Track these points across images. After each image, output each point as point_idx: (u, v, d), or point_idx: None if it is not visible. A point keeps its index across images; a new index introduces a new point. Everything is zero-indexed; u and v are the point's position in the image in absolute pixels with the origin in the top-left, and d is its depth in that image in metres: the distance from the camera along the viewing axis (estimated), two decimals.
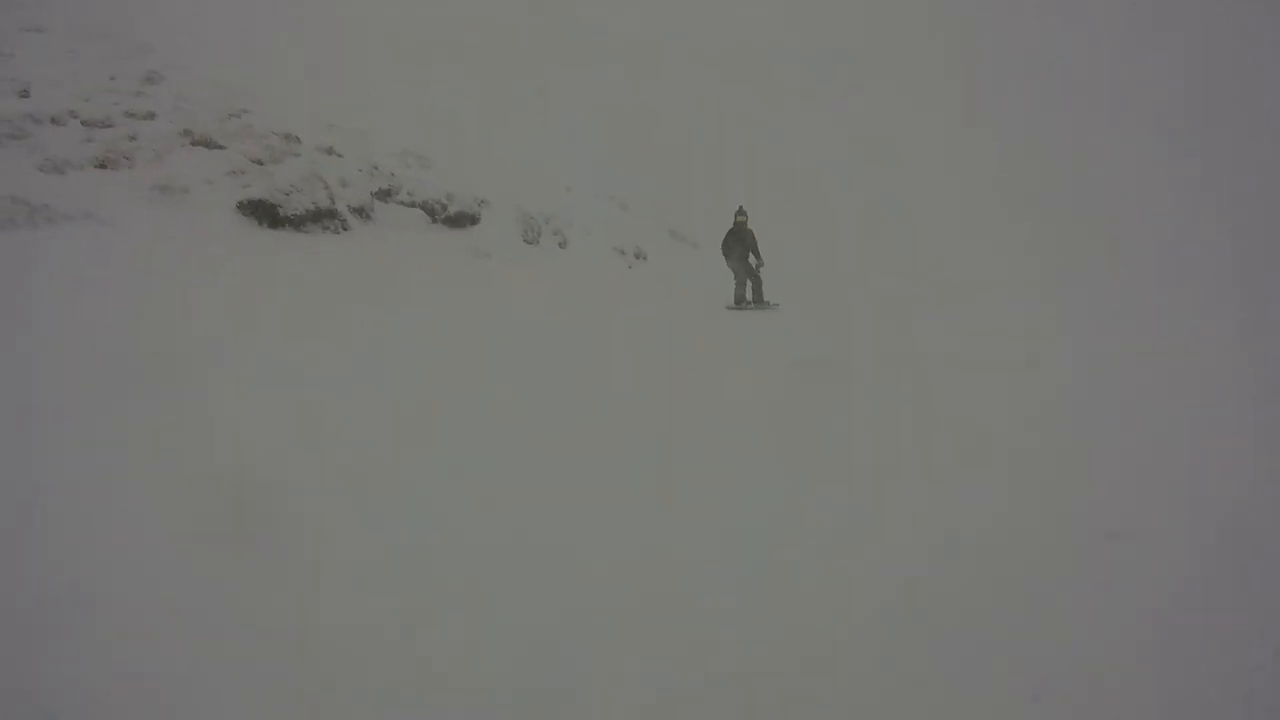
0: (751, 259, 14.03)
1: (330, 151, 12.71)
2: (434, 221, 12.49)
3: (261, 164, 11.31)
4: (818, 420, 7.77)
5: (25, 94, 12.65)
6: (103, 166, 10.37)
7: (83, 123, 11.20)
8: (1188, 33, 34.72)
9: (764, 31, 34.93)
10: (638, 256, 15.82)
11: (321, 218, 10.87)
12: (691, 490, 5.59)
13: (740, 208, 14.07)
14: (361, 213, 11.53)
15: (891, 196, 26.90)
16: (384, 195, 12.19)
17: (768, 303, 14.04)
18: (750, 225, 14.15)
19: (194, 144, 11.32)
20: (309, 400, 5.90)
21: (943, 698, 4.06)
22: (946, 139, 29.78)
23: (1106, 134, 31.11)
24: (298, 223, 10.63)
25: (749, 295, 14.01)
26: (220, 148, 11.41)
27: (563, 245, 13.90)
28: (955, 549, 5.66)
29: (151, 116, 11.73)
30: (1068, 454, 9.43)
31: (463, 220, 12.72)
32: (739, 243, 13.84)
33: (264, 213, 10.50)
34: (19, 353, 5.81)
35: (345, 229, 11.10)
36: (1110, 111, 32.22)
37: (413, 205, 12.42)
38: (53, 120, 11.11)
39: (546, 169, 19.13)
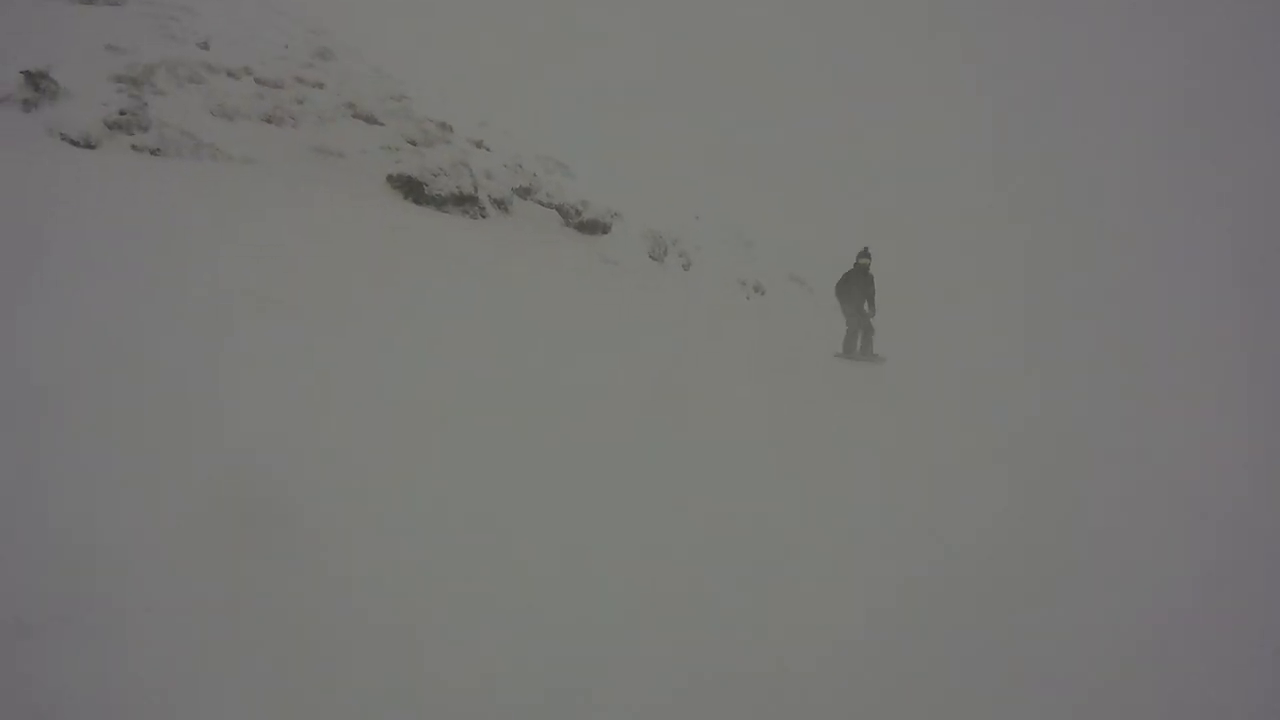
0: (866, 306, 12.73)
1: (480, 144, 13.02)
2: (566, 224, 12.64)
3: (415, 144, 11.63)
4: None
5: (205, 46, 13.28)
6: (269, 121, 10.79)
7: (256, 80, 11.68)
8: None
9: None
10: (756, 290, 15.75)
11: (464, 202, 11.10)
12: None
13: (865, 249, 12.73)
14: (501, 204, 11.74)
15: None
16: (524, 192, 12.40)
17: (877, 355, 12.90)
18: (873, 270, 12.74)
19: (355, 116, 11.71)
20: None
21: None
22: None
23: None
24: (440, 203, 10.86)
25: (859, 345, 12.75)
26: (379, 124, 11.77)
27: (686, 267, 13.92)
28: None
29: (320, 86, 12.18)
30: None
31: (594, 228, 12.85)
32: (857, 286, 12.58)
33: (411, 188, 10.77)
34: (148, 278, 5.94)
35: (484, 216, 11.30)
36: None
37: (549, 206, 12.60)
38: (229, 73, 11.62)
39: (679, 197, 19.29)
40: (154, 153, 8.80)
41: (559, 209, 12.66)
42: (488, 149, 13.09)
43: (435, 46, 21.61)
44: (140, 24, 13.47)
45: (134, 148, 8.76)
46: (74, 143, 8.44)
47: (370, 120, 11.81)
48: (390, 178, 10.74)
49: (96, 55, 10.79)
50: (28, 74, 9.27)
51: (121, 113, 8.99)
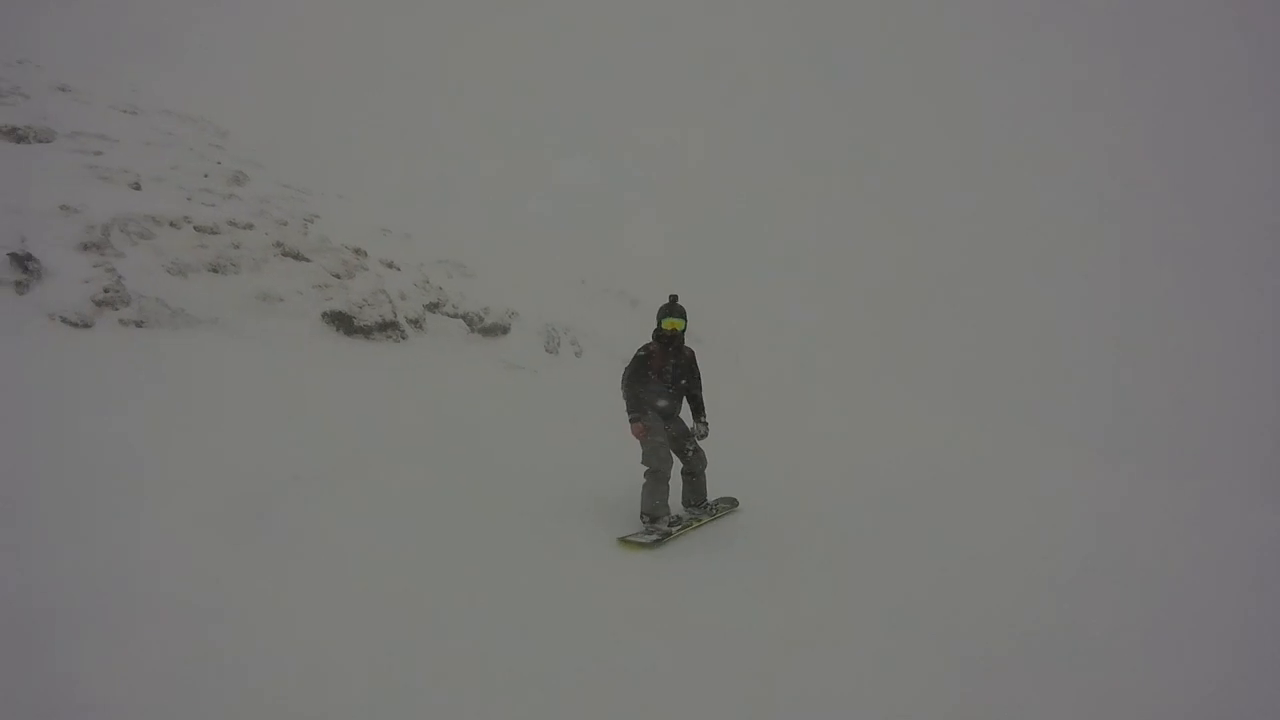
0: (694, 425, 8.41)
1: (390, 265, 15.08)
2: (472, 331, 14.82)
3: (339, 277, 13.62)
4: None
5: (137, 186, 14.98)
6: (215, 271, 12.64)
7: (195, 228, 13.48)
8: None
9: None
10: None
11: (386, 328, 13.17)
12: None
13: (673, 299, 8.20)
14: (416, 323, 13.85)
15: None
16: (433, 307, 14.53)
17: (717, 507, 8.52)
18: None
19: (284, 255, 13.62)
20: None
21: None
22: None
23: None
24: (368, 332, 12.92)
25: (686, 495, 8.36)
26: (306, 260, 13.71)
27: (578, 354, 16.11)
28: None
29: (250, 227, 14.04)
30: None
31: (495, 330, 15.07)
32: (659, 375, 8.12)
33: (342, 321, 12.79)
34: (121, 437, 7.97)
35: (404, 338, 13.39)
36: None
37: (456, 316, 14.75)
38: (171, 224, 13.39)
39: (563, 269, 21.48)
40: (138, 325, 10.62)
41: (464, 318, 14.84)
42: (398, 268, 15.17)
43: (325, 145, 23.32)
44: (73, 166, 15.08)
45: (121, 322, 10.56)
46: (73, 324, 10.19)
47: (298, 257, 13.74)
48: (324, 315, 12.75)
49: (55, 220, 12.43)
50: (14, 256, 11.00)
51: (106, 290, 10.75)
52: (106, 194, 13.99)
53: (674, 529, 7.75)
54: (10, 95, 18.36)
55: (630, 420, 7.89)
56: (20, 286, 10.70)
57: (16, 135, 16.09)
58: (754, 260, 23.38)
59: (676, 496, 8.41)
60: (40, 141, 16.12)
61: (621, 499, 8.31)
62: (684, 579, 7.03)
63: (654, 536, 7.48)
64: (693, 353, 8.42)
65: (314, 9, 29.89)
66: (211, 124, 20.88)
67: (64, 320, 10.26)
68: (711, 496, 8.60)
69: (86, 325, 10.32)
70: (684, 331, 8.17)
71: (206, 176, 16.33)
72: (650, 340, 8.26)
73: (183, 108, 21.32)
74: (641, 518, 7.78)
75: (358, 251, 14.66)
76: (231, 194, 15.76)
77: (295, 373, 10.84)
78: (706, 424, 8.39)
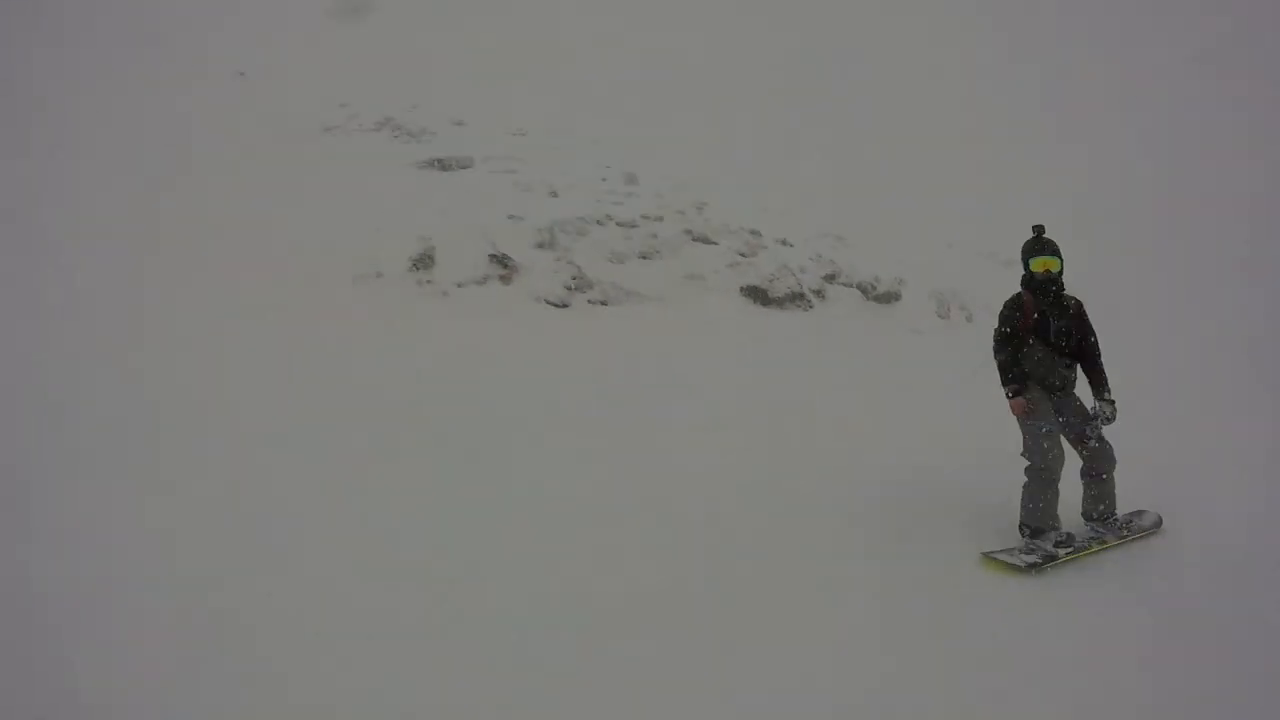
0: (1095, 405, 6.47)
1: (784, 243, 16.08)
2: (866, 299, 15.53)
3: (744, 256, 14.79)
4: None
5: (555, 194, 16.94)
6: (644, 258, 14.15)
7: (618, 224, 15.09)
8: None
9: None
10: None
11: (795, 298, 14.19)
12: None
13: (1038, 231, 6.52)
14: (819, 294, 14.78)
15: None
16: (829, 278, 15.40)
17: (1129, 524, 6.57)
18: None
19: (694, 240, 14.97)
20: None
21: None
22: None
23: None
24: (780, 303, 14.00)
25: (1089, 507, 6.55)
26: (714, 243, 14.99)
27: (969, 319, 16.18)
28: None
29: (661, 219, 15.52)
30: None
31: (888, 298, 15.68)
32: (1047, 341, 6.39)
33: (757, 294, 13.96)
34: None
35: (810, 307, 14.35)
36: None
37: (851, 286, 15.53)
38: (597, 222, 15.06)
39: (928, 233, 21.46)
40: (603, 304, 12.27)
41: (858, 286, 15.60)
42: (790, 245, 16.15)
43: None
44: (500, 184, 17.21)
45: (589, 302, 12.25)
46: (554, 305, 11.98)
47: (705, 241, 15.04)
48: (742, 289, 13.98)
49: (507, 226, 14.36)
50: (493, 256, 12.94)
51: (573, 278, 12.51)
52: (536, 203, 15.93)
53: (1064, 551, 6.11)
54: (423, 135, 21.14)
55: (1008, 394, 6.27)
56: (504, 279, 12.66)
57: (442, 165, 18.52)
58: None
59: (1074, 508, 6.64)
60: (463, 168, 18.49)
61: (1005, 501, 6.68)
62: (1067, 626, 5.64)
63: (1033, 558, 5.94)
64: (1079, 303, 6.51)
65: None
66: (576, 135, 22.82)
67: (548, 302, 12.10)
68: (1123, 510, 6.60)
69: (565, 305, 12.09)
70: (1061, 274, 6.37)
71: (604, 181, 18.08)
72: (1019, 290, 6.54)
73: (556, 127, 23.47)
74: (1020, 529, 6.26)
75: (754, 232, 15.76)
76: (630, 192, 17.37)
77: (735, 338, 12.07)
78: (1113, 402, 6.37)
